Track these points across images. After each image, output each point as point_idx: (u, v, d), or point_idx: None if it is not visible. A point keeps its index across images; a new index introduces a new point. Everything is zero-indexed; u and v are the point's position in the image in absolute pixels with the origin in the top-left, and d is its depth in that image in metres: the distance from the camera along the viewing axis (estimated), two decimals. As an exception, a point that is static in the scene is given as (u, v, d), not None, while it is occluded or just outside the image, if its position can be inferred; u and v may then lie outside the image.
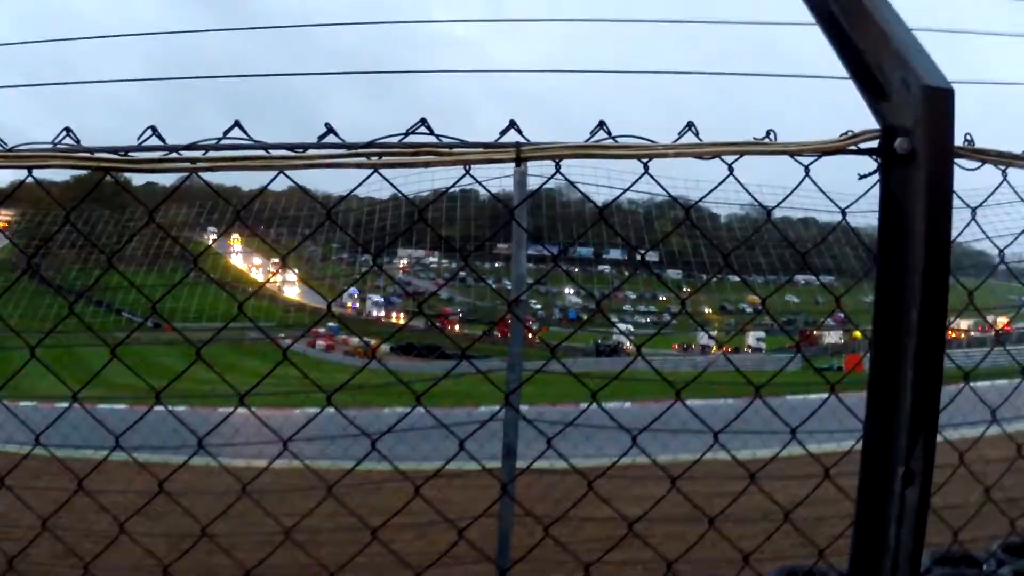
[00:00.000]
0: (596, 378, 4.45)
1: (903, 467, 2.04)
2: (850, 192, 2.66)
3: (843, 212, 2.74)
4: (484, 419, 4.31)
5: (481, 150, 2.28)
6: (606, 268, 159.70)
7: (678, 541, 3.97)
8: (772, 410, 3.58)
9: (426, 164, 2.21)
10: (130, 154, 2.20)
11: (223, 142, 2.22)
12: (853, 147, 2.28)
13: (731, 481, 3.67)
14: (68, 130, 2.32)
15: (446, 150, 2.24)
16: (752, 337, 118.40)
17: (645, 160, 2.42)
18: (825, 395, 3.37)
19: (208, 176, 2.32)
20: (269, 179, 2.33)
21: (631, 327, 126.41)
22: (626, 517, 3.48)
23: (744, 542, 3.99)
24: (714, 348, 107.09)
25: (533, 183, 8.19)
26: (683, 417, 4.35)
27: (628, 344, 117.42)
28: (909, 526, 2.05)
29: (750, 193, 2.80)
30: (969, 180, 2.64)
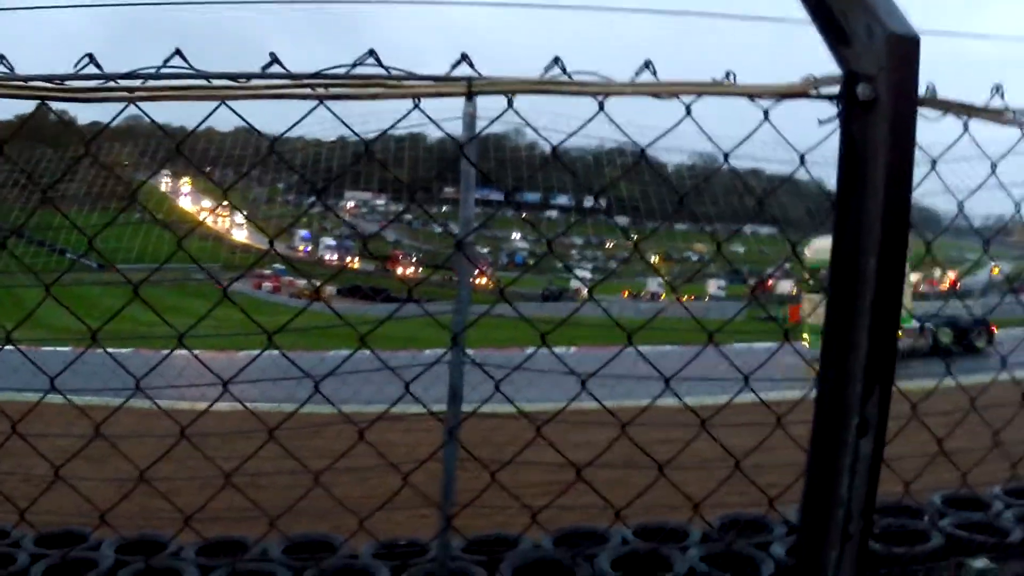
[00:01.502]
0: (542, 323, 4.42)
1: (858, 417, 2.02)
2: (803, 146, 2.63)
3: (802, 157, 2.71)
4: (429, 362, 4.27)
5: (431, 83, 2.22)
6: (553, 214, 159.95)
7: (621, 486, 3.97)
8: (726, 357, 3.56)
9: (374, 96, 2.15)
10: (66, 83, 2.12)
11: (163, 72, 2.14)
12: (814, 91, 2.25)
13: (676, 428, 3.66)
14: (1, 57, 2.23)
15: (395, 82, 2.18)
16: (713, 285, 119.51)
17: (601, 98, 2.38)
18: (767, 344, 3.36)
19: (154, 115, 2.24)
20: (211, 111, 2.26)
21: (588, 274, 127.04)
22: (575, 464, 3.46)
23: (687, 488, 3.99)
24: (663, 295, 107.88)
25: (483, 126, 8.12)
26: (627, 363, 4.33)
27: (584, 290, 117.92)
28: (863, 477, 2.04)
29: (707, 135, 2.76)
30: (927, 135, 2.62)
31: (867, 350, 2.00)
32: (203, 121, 2.51)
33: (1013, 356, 4.20)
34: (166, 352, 3.69)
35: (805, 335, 34.34)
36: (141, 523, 9.98)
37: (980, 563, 8.00)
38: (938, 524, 9.71)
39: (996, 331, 35.27)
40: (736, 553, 9.09)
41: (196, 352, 3.49)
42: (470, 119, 6.70)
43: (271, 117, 2.56)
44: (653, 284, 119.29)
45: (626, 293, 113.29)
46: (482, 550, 9.35)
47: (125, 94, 2.10)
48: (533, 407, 3.93)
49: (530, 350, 3.46)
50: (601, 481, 8.71)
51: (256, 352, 3.33)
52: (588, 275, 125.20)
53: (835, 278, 2.07)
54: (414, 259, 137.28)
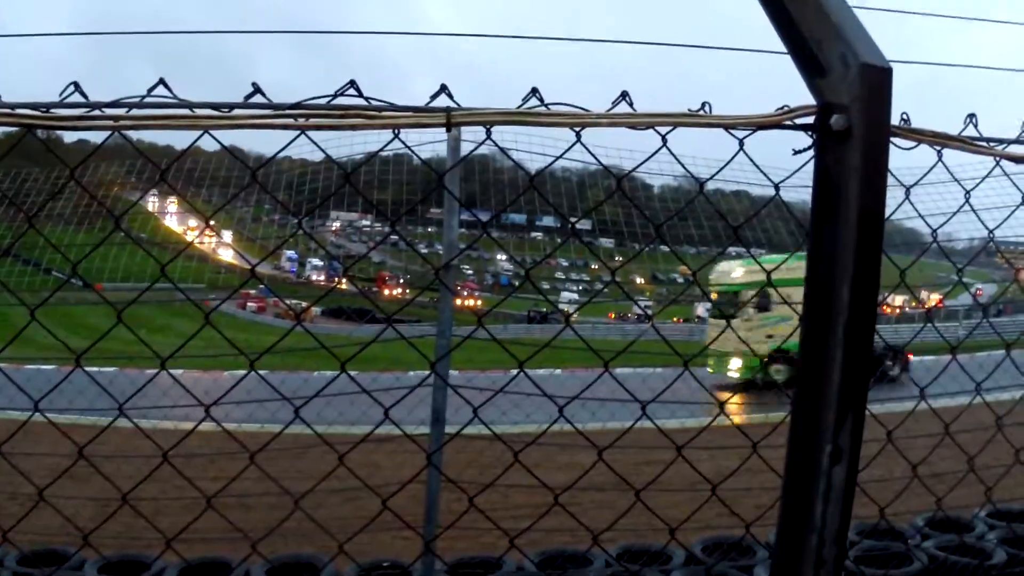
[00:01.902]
0: (527, 345, 4.45)
1: (831, 445, 2.05)
2: (784, 167, 2.66)
3: (776, 187, 2.75)
4: (413, 384, 4.29)
5: (411, 114, 2.24)
6: (539, 235, 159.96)
7: (606, 509, 3.99)
8: (699, 382, 3.59)
9: (353, 127, 2.17)
10: (52, 111, 2.14)
11: (148, 100, 2.17)
12: (788, 122, 2.28)
13: (658, 451, 3.69)
14: (-11, 85, 2.26)
15: (375, 113, 2.20)
16: (701, 308, 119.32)
17: (578, 129, 2.41)
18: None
19: (141, 135, 2.27)
20: (195, 139, 2.28)
21: (575, 295, 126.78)
22: (551, 488, 3.48)
23: (670, 511, 4.01)
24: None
25: (467, 149, 8.16)
26: (612, 386, 4.35)
27: (568, 311, 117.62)
28: (836, 504, 2.06)
29: (683, 165, 2.80)
30: (904, 159, 2.65)
31: (840, 378, 2.03)
32: (187, 150, 2.54)
33: (931, 385, 4.23)
34: (152, 372, 3.71)
35: (711, 361, 34.06)
36: (125, 543, 9.97)
37: None
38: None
39: (912, 359, 34.71)
40: (719, 575, 9.11)
41: (180, 372, 3.52)
42: (454, 143, 6.75)
43: (258, 137, 2.60)
44: (636, 308, 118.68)
45: (612, 315, 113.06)
46: (465, 572, 9.36)
47: (110, 122, 2.13)
48: (518, 429, 3.96)
49: (513, 371, 3.47)
50: (588, 503, 8.71)
51: (241, 373, 3.35)
52: (575, 296, 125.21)
53: (809, 306, 2.10)
54: (401, 280, 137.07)
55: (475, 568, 9.54)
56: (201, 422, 3.42)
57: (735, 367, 34.90)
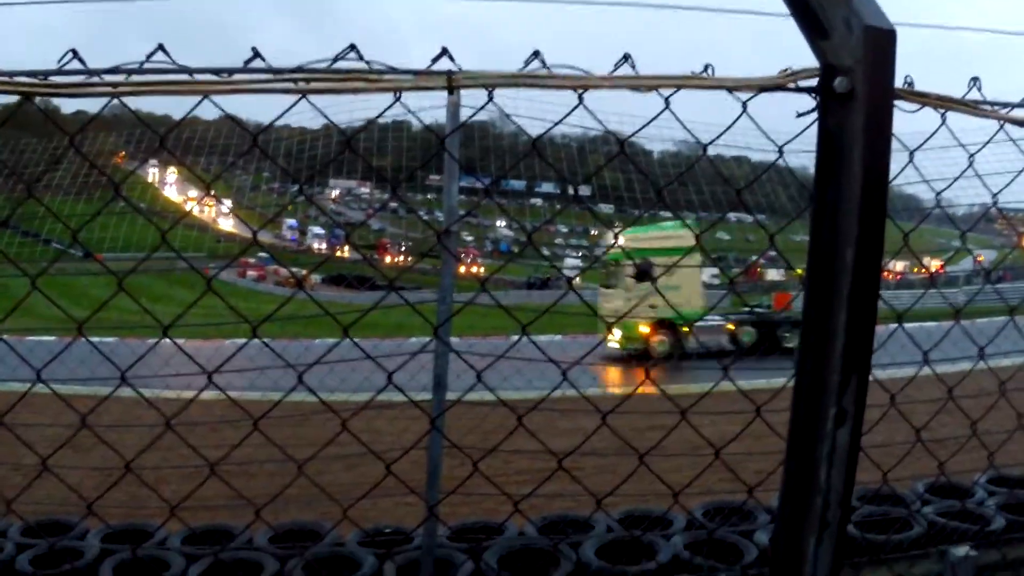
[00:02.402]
0: (528, 311, 4.45)
1: (835, 407, 2.05)
2: (786, 131, 2.65)
3: (780, 149, 2.74)
4: (414, 351, 4.29)
5: (412, 77, 2.23)
6: (538, 202, 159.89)
7: (608, 474, 3.99)
8: (706, 348, 3.59)
9: (355, 90, 2.16)
10: (50, 78, 2.13)
11: (146, 67, 2.15)
12: (792, 85, 2.27)
13: (661, 415, 3.69)
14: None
15: (376, 77, 2.19)
16: (707, 273, 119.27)
17: (580, 92, 2.40)
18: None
19: (139, 104, 2.26)
20: (194, 105, 2.27)
21: (579, 261, 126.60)
22: (554, 453, 3.48)
23: (672, 476, 4.02)
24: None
25: (466, 115, 8.11)
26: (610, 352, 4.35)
27: (575, 279, 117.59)
28: (840, 466, 2.06)
29: (686, 127, 2.78)
30: (907, 125, 2.64)
31: (844, 341, 2.02)
32: (187, 115, 2.52)
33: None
34: (153, 341, 3.70)
35: (611, 332, 33.75)
36: (129, 512, 10.00)
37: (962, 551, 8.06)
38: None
39: None
40: (720, 540, 9.14)
41: (182, 341, 3.51)
42: (454, 108, 6.72)
43: (256, 105, 2.58)
44: None
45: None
46: (467, 538, 9.39)
47: (108, 89, 2.11)
48: (520, 395, 3.96)
49: (514, 338, 3.46)
50: (590, 468, 8.72)
51: (242, 341, 3.35)
52: (579, 263, 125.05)
53: (813, 269, 2.09)
54: (402, 248, 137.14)
55: (477, 533, 9.57)
56: (203, 390, 3.42)
57: (616, 338, 34.82)
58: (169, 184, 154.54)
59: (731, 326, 36.87)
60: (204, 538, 9.41)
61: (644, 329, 34.78)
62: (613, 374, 31.72)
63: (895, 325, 3.49)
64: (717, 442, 3.54)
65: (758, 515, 9.89)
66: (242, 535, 9.54)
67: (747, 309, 40.70)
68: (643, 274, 31.96)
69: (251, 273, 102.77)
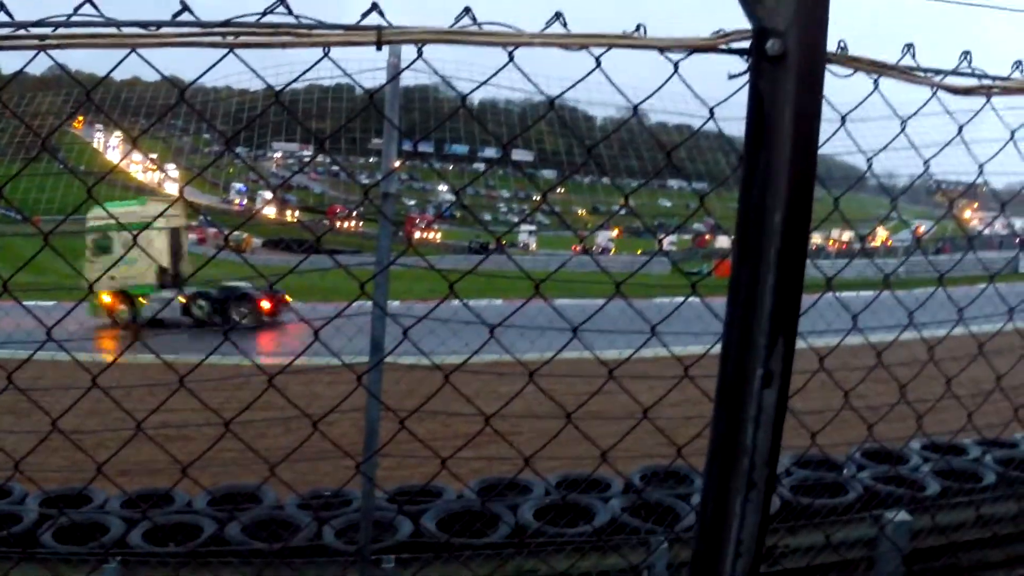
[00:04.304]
0: (472, 276, 4.45)
1: (762, 368, 2.06)
2: (724, 98, 2.65)
3: (711, 111, 2.74)
4: (348, 314, 4.27)
5: (341, 32, 2.21)
6: (480, 166, 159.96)
7: (545, 438, 4.00)
8: (633, 308, 3.61)
9: (283, 45, 2.14)
10: (-28, 31, 2.09)
11: (75, 19, 2.12)
12: (724, 46, 2.27)
13: (599, 380, 3.70)
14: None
15: (305, 31, 2.16)
16: (602, 237, 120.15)
17: (511, 49, 2.39)
18: (694, 299, 3.40)
19: (84, 66, 2.22)
20: (120, 59, 2.24)
21: (533, 228, 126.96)
22: (484, 413, 3.48)
23: (609, 441, 4.04)
24: (613, 250, 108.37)
25: (407, 77, 8.09)
26: (551, 316, 4.36)
27: (531, 244, 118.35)
28: (767, 427, 2.08)
29: (618, 88, 2.77)
30: (844, 94, 2.65)
31: (772, 302, 2.04)
32: (112, 69, 2.48)
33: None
34: (77, 302, 3.68)
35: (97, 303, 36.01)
36: (68, 477, 9.96)
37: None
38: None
39: (290, 300, 35.86)
40: (657, 503, 9.24)
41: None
42: (393, 69, 6.68)
43: (194, 67, 2.55)
44: (603, 239, 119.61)
45: (576, 248, 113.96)
46: (406, 501, 9.43)
47: (35, 42, 2.08)
48: (455, 359, 3.94)
49: (455, 302, 3.46)
50: (528, 432, 8.77)
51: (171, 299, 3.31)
52: (534, 229, 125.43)
53: (742, 231, 2.10)
54: (353, 212, 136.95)
55: (416, 496, 9.61)
56: (126, 350, 3.39)
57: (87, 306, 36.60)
58: (112, 148, 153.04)
59: (183, 299, 38.17)
60: (143, 502, 9.39)
61: (106, 299, 36.80)
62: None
63: (827, 292, 3.53)
64: (655, 407, 3.56)
65: (694, 479, 10.00)
66: (180, 499, 9.54)
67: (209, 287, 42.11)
68: (102, 248, 35.08)
69: (192, 236, 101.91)
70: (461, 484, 9.47)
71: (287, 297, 35.68)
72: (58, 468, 8.58)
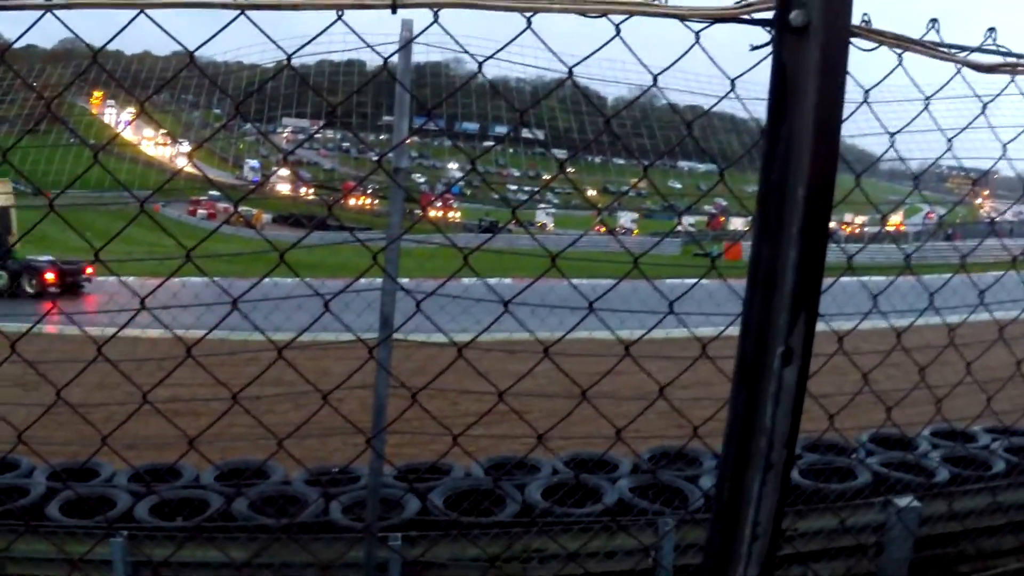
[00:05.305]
0: (486, 254, 4.42)
1: (782, 345, 2.02)
2: (746, 78, 2.61)
3: (732, 82, 2.70)
4: (360, 289, 4.25)
5: (356, -5, 2.17)
6: (491, 144, 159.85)
7: (556, 418, 3.96)
8: (652, 284, 3.58)
9: (295, 7, 2.10)
10: (-19, -9, 2.06)
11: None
12: (746, 16, 2.23)
13: (610, 359, 3.66)
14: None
15: (318, -6, 2.13)
16: (625, 217, 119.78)
17: (528, 15, 2.35)
18: (706, 281, 3.37)
19: (93, 37, 2.19)
20: (132, 18, 2.20)
21: (552, 208, 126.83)
22: (496, 388, 3.45)
23: (621, 421, 4.01)
24: (635, 231, 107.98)
25: (419, 52, 8.02)
26: (561, 295, 4.33)
27: (548, 224, 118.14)
28: (786, 406, 2.04)
29: (637, 56, 2.73)
30: (861, 76, 2.61)
31: (794, 278, 2.00)
32: (123, 29, 2.44)
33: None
34: (101, 280, 3.65)
35: None
36: (77, 451, 9.97)
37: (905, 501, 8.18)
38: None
39: (90, 271, 37.90)
40: (666, 485, 9.22)
41: (131, 279, 3.45)
42: (405, 42, 6.63)
43: (204, 39, 2.51)
44: (625, 219, 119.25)
45: (599, 228, 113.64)
46: (414, 478, 9.43)
47: (41, 2, 2.05)
48: (467, 336, 3.91)
49: (465, 281, 3.43)
50: (538, 411, 8.73)
51: (191, 280, 3.29)
52: (553, 210, 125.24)
53: (763, 206, 2.05)
54: (370, 189, 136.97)
55: (425, 474, 9.60)
56: (131, 319, 3.37)
57: None
58: (125, 123, 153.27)
59: None
60: (151, 476, 9.40)
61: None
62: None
63: (844, 275, 3.49)
64: (669, 387, 3.53)
65: (704, 460, 9.99)
66: (188, 474, 9.55)
67: None
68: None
69: (201, 211, 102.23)
70: (471, 460, 9.47)
71: (89, 269, 37.23)
72: (65, 442, 8.59)
